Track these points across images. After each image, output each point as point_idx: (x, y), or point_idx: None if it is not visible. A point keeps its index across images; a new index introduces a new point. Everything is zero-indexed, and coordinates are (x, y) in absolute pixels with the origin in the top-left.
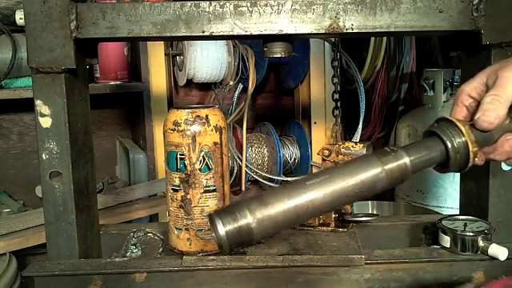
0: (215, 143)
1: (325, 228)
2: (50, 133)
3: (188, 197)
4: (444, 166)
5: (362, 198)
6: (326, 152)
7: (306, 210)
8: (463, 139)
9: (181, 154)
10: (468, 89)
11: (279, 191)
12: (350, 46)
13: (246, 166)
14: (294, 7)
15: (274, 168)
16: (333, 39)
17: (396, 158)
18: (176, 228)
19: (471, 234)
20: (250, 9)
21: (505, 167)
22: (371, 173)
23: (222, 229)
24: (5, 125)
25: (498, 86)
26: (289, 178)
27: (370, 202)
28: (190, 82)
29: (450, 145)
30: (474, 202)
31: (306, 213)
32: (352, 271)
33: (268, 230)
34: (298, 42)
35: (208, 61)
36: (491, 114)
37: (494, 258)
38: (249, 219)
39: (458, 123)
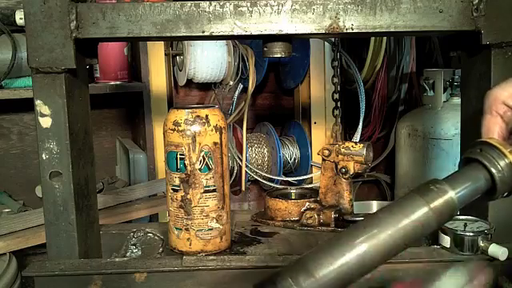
0: (215, 143)
1: (325, 228)
2: (50, 133)
3: (188, 197)
4: (491, 194)
5: (409, 246)
6: (326, 152)
7: (356, 273)
8: (507, 161)
9: (181, 154)
10: (503, 96)
11: (323, 255)
12: (350, 45)
13: (246, 166)
14: (293, 7)
15: (273, 168)
16: (333, 39)
17: (441, 194)
18: (176, 228)
19: (471, 233)
20: (250, 9)
21: None
22: (418, 215)
23: None
24: (5, 125)
25: None
26: (289, 178)
27: (369, 202)
28: (190, 82)
29: (494, 171)
30: (474, 201)
31: (356, 275)
32: None
33: None
34: (298, 42)
35: (208, 61)
36: None
37: (494, 258)
38: None
39: (499, 146)
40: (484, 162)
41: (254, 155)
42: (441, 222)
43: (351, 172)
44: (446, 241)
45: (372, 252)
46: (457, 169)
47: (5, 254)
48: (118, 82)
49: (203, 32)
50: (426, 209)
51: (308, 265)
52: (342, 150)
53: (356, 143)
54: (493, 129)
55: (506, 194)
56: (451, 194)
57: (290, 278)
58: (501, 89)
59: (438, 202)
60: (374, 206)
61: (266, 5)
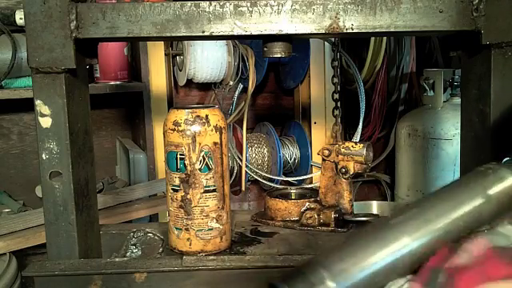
0: (215, 143)
1: (325, 228)
2: (50, 133)
3: (188, 197)
4: None
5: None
6: (326, 152)
7: (401, 266)
8: None
9: (181, 154)
10: None
11: (362, 242)
12: (350, 46)
13: (246, 166)
14: (293, 7)
15: (273, 168)
16: (333, 39)
17: (500, 178)
18: (176, 228)
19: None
20: (250, 9)
21: None
22: (474, 204)
23: None
24: (5, 125)
25: None
26: (289, 179)
27: (369, 202)
28: (190, 82)
29: None
30: None
31: (402, 268)
32: None
33: None
34: (298, 42)
35: (208, 61)
36: None
37: None
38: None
39: None
40: None
41: (254, 155)
42: (501, 209)
43: (351, 172)
44: None
45: (421, 246)
46: (458, 169)
47: (5, 254)
48: (118, 82)
49: (203, 32)
50: (482, 198)
51: (344, 255)
52: (342, 150)
53: (356, 143)
54: None
55: None
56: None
57: (324, 269)
58: None
59: (497, 187)
60: (374, 206)
61: (265, 5)
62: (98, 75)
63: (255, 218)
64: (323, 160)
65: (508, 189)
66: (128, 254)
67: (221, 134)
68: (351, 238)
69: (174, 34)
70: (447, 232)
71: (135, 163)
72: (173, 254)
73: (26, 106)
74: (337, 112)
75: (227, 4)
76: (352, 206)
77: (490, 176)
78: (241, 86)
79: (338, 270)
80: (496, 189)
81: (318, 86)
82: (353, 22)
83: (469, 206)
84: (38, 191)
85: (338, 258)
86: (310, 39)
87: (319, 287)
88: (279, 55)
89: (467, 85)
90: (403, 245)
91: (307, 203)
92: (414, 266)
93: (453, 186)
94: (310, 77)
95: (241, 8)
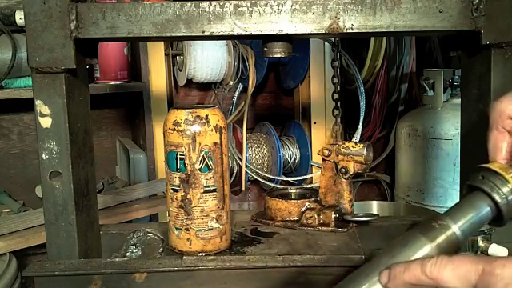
0: (215, 143)
1: (325, 228)
2: (50, 133)
3: (188, 197)
4: (498, 221)
5: None
6: (326, 152)
7: None
8: (510, 187)
9: (181, 154)
10: (509, 110)
11: None
12: (350, 46)
13: (246, 166)
14: (294, 7)
15: (273, 168)
16: (333, 39)
17: (443, 230)
18: (176, 228)
19: None
20: (250, 9)
21: None
22: (421, 255)
23: None
24: (5, 125)
25: None
26: (289, 179)
27: (369, 202)
28: (190, 82)
29: (498, 199)
30: None
31: None
32: (352, 271)
33: None
34: (298, 42)
35: (208, 61)
36: None
37: None
38: None
39: (501, 172)
40: (487, 189)
41: (254, 155)
42: None
43: (351, 172)
44: None
45: None
46: (458, 169)
47: (5, 254)
48: (118, 82)
49: (203, 32)
50: (428, 248)
51: None
52: (342, 150)
53: (356, 143)
54: (500, 146)
55: None
56: (454, 229)
57: None
58: (506, 102)
59: (441, 239)
60: (374, 206)
61: (265, 5)
62: (98, 75)
63: (255, 217)
64: (323, 160)
65: (450, 238)
66: (128, 253)
67: (221, 133)
68: None
69: (174, 34)
70: None
71: (135, 163)
72: (173, 254)
73: (26, 106)
74: (337, 112)
75: (227, 4)
76: (352, 206)
77: (435, 229)
78: (241, 85)
79: None
80: (439, 240)
81: (318, 86)
82: (353, 22)
83: (416, 257)
84: (38, 191)
85: None
86: (310, 39)
87: None
88: (279, 55)
89: (467, 85)
90: None
91: (307, 203)
92: None
93: (401, 241)
94: (310, 77)
95: (241, 8)
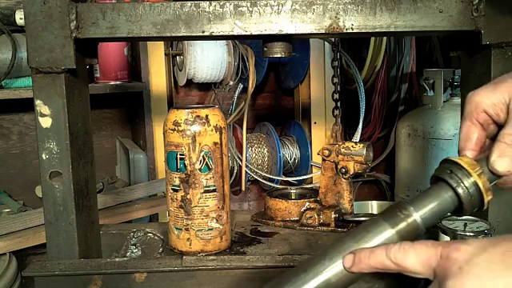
0: (215, 143)
1: (325, 228)
2: (50, 133)
3: (188, 197)
4: (458, 212)
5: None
6: (326, 152)
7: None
8: (472, 180)
9: (181, 154)
10: (485, 105)
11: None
12: (350, 45)
13: (246, 166)
14: (294, 7)
15: (273, 168)
16: (333, 39)
17: (405, 217)
18: (176, 228)
19: (471, 234)
20: (250, 9)
21: None
22: (382, 239)
23: None
24: (5, 125)
25: None
26: (289, 179)
27: (370, 202)
28: (190, 82)
29: (461, 191)
30: None
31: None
32: None
33: None
34: (298, 42)
35: (208, 61)
36: (509, 161)
37: None
38: None
39: (467, 167)
40: (451, 183)
41: (254, 155)
42: None
43: (351, 172)
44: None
45: (336, 281)
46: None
47: (5, 254)
48: (118, 82)
49: (203, 32)
50: (389, 233)
51: None
52: (342, 150)
53: (356, 143)
54: (471, 137)
55: (475, 209)
56: (415, 217)
57: None
58: (483, 95)
59: (402, 225)
60: (374, 205)
61: (265, 5)
62: (98, 75)
63: (255, 218)
64: (323, 160)
65: (411, 225)
66: (128, 253)
67: (221, 134)
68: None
69: (174, 34)
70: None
71: (135, 163)
72: (173, 254)
73: (26, 106)
74: (337, 112)
75: (227, 4)
76: (352, 205)
77: (398, 216)
78: (241, 85)
79: None
80: (401, 226)
81: (318, 85)
82: (353, 22)
83: (377, 241)
84: (38, 191)
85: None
86: (310, 39)
87: None
88: (279, 55)
89: (467, 85)
90: (320, 283)
91: (307, 203)
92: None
93: (364, 226)
94: (309, 77)
95: (241, 8)
